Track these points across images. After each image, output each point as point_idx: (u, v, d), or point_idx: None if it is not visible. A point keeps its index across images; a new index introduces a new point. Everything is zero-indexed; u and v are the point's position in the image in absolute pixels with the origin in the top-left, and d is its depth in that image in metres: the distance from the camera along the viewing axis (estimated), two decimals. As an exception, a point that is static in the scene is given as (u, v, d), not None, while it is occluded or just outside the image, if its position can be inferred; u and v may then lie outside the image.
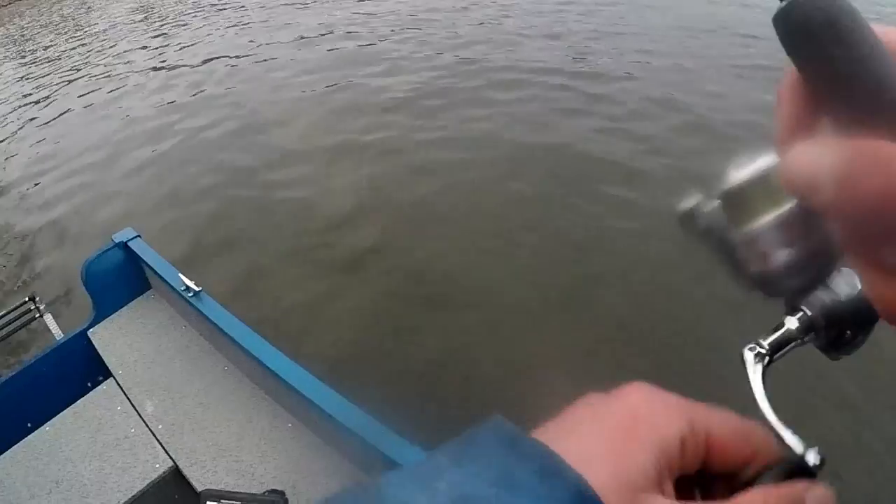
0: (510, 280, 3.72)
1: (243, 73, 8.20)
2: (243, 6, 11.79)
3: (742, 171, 0.31)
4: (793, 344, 0.35)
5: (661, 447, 0.29)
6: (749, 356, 0.34)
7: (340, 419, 1.79)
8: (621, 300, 3.49)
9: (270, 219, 4.73)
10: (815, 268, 0.32)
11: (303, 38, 9.30)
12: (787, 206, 0.30)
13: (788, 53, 0.25)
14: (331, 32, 9.24)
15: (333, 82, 7.19)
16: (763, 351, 0.34)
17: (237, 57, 8.87)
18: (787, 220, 0.31)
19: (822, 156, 0.22)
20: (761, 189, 0.31)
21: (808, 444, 0.32)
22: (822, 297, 0.33)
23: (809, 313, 0.34)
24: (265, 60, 8.49)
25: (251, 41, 9.51)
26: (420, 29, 8.71)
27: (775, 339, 0.35)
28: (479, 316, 3.50)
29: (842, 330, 0.33)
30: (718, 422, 0.31)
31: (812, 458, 0.31)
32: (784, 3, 0.24)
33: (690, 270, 3.18)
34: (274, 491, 1.85)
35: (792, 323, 0.34)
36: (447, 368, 3.19)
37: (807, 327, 0.34)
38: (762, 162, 0.30)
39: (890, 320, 0.26)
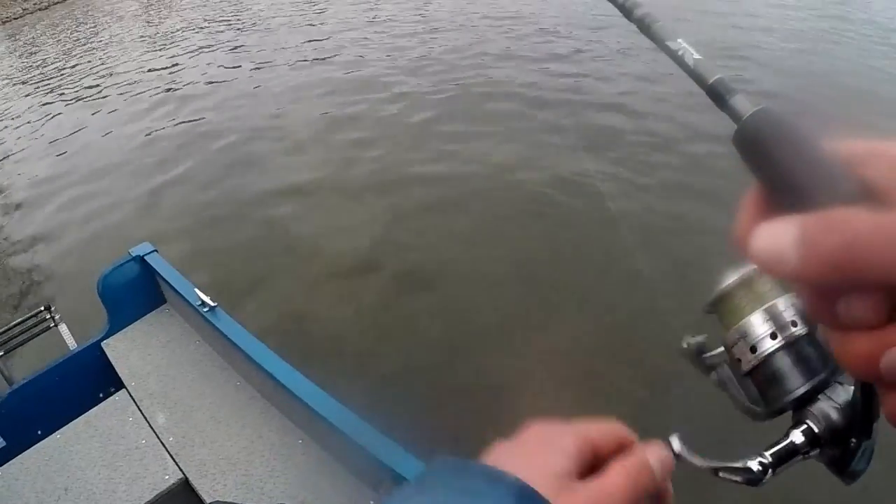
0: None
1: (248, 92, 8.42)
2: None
3: (727, 280, 0.38)
4: (798, 457, 0.36)
5: (564, 451, 0.40)
6: (753, 466, 0.36)
7: (351, 435, 1.82)
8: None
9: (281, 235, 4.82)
10: (811, 377, 0.35)
11: (310, 59, 9.55)
12: (770, 302, 0.37)
13: (745, 163, 0.30)
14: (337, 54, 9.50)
15: (344, 105, 7.39)
16: (766, 462, 0.36)
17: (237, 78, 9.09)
18: (772, 314, 0.36)
19: (785, 228, 0.26)
20: (745, 290, 0.37)
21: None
22: (823, 408, 0.35)
23: (813, 426, 0.35)
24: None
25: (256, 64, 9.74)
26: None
27: (778, 451, 0.36)
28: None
29: (845, 438, 0.34)
30: (594, 428, 0.43)
31: (675, 443, 0.40)
32: (737, 126, 0.30)
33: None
34: (282, 505, 1.89)
35: (796, 436, 0.35)
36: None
37: (811, 440, 0.35)
38: (743, 270, 0.38)
39: (859, 375, 0.29)
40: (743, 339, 0.37)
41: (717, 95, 0.32)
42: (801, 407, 0.35)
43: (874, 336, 0.25)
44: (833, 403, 0.35)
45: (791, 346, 0.36)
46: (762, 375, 0.36)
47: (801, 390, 0.35)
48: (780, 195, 0.28)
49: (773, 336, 0.36)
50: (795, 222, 0.25)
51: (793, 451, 0.36)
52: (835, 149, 0.28)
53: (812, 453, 0.35)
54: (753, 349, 0.37)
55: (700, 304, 0.40)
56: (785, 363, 0.36)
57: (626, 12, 0.37)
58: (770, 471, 0.36)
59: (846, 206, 0.25)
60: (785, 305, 0.36)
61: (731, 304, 0.38)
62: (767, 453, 0.36)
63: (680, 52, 0.34)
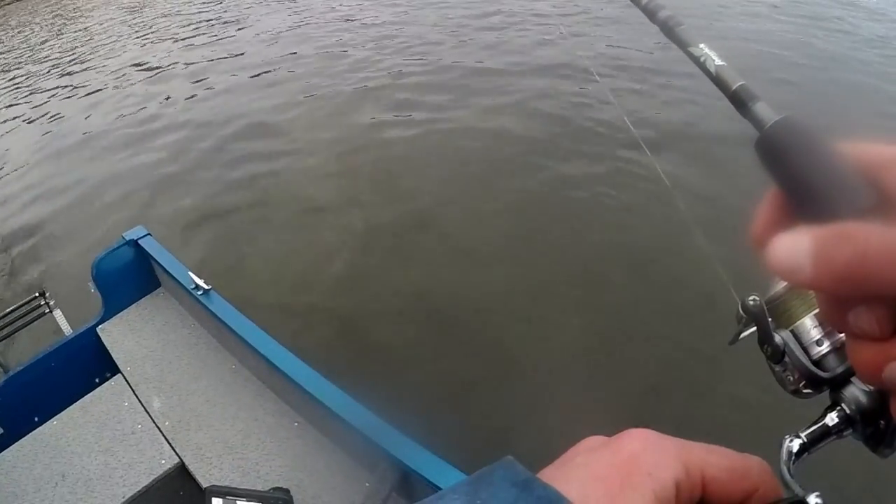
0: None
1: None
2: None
3: (779, 283, 0.37)
4: (832, 437, 0.36)
5: (657, 492, 0.31)
6: (787, 446, 0.36)
7: (346, 418, 1.81)
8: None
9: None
10: (845, 363, 0.35)
11: (295, 50, 9.43)
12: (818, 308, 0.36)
13: (765, 170, 0.30)
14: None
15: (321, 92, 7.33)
16: (802, 441, 0.36)
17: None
18: (822, 319, 0.36)
19: (800, 240, 0.27)
20: (797, 295, 0.37)
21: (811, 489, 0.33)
22: (855, 392, 0.35)
23: (846, 408, 0.35)
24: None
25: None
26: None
27: (813, 432, 0.36)
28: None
29: (876, 420, 0.34)
30: (714, 461, 0.33)
31: (813, 500, 0.32)
32: (759, 134, 0.30)
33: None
34: (278, 488, 1.87)
35: (830, 418, 0.36)
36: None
37: (844, 421, 0.35)
38: None
39: (865, 381, 0.29)
40: (796, 340, 0.37)
41: (740, 102, 0.32)
42: (836, 389, 0.36)
43: (880, 347, 0.27)
44: (863, 387, 0.35)
45: (838, 349, 0.36)
46: (810, 369, 0.37)
47: (839, 370, 0.36)
48: (799, 202, 0.29)
49: (820, 342, 0.36)
50: (810, 234, 0.26)
51: (826, 432, 0.36)
52: (854, 154, 0.28)
53: (846, 433, 0.36)
54: (806, 351, 0.37)
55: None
56: (830, 359, 0.36)
57: (650, 14, 0.37)
58: (805, 451, 0.37)
59: (860, 219, 0.26)
60: None
61: (782, 308, 0.38)
62: (803, 434, 0.37)
63: (702, 59, 0.34)
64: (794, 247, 0.27)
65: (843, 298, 0.27)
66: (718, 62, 0.34)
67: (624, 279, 3.73)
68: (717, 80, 0.33)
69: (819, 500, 0.33)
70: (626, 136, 5.09)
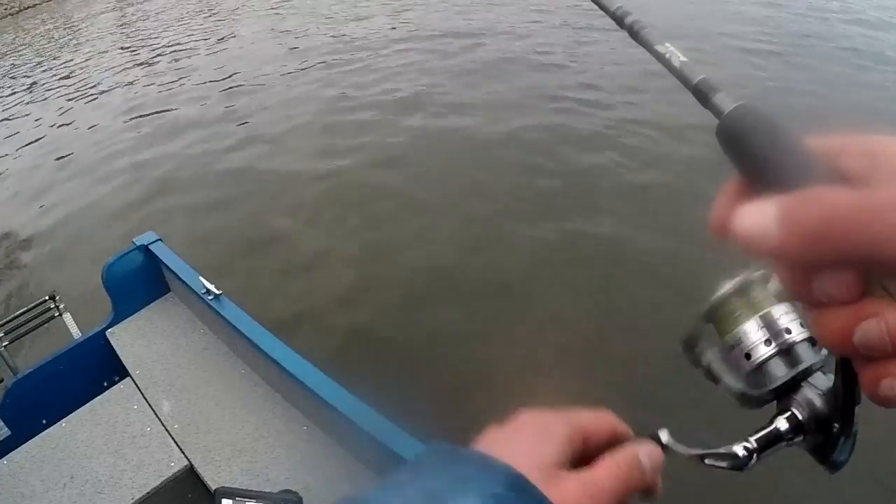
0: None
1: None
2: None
3: (722, 288, 0.39)
4: (782, 443, 0.37)
5: (556, 440, 0.41)
6: (739, 452, 0.38)
7: (355, 421, 1.82)
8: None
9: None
10: (795, 367, 0.36)
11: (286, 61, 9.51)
12: (764, 310, 0.38)
13: (726, 155, 0.32)
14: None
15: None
16: (751, 447, 0.37)
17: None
18: (766, 322, 0.38)
19: (767, 206, 0.27)
20: (740, 299, 0.39)
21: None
22: (807, 395, 0.36)
23: (797, 413, 0.36)
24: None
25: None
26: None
27: (763, 436, 0.37)
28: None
29: (828, 424, 0.35)
30: (586, 418, 0.44)
31: (664, 436, 0.42)
32: (718, 121, 0.32)
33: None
34: (288, 491, 1.87)
35: (781, 423, 0.37)
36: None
37: (795, 426, 0.36)
38: (739, 278, 0.39)
39: (835, 350, 0.30)
40: (738, 347, 0.39)
41: (701, 94, 0.34)
42: (785, 395, 0.37)
43: (848, 311, 0.27)
44: (816, 390, 0.36)
45: (785, 352, 0.37)
46: (754, 376, 0.38)
47: (785, 378, 0.36)
48: (760, 184, 0.29)
49: (768, 343, 0.37)
50: (776, 200, 0.27)
51: (777, 436, 0.37)
52: (810, 143, 0.29)
53: (796, 440, 0.37)
54: (748, 356, 0.38)
55: (696, 312, 0.41)
56: (778, 366, 0.37)
57: (618, 20, 0.40)
58: (755, 456, 0.37)
59: (824, 185, 0.26)
60: (780, 313, 0.38)
61: (727, 313, 0.39)
62: (752, 439, 0.38)
63: (667, 55, 0.36)
64: (761, 213, 0.27)
65: (807, 267, 0.27)
66: (682, 58, 0.35)
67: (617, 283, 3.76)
68: (680, 75, 0.35)
69: (668, 436, 0.41)
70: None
